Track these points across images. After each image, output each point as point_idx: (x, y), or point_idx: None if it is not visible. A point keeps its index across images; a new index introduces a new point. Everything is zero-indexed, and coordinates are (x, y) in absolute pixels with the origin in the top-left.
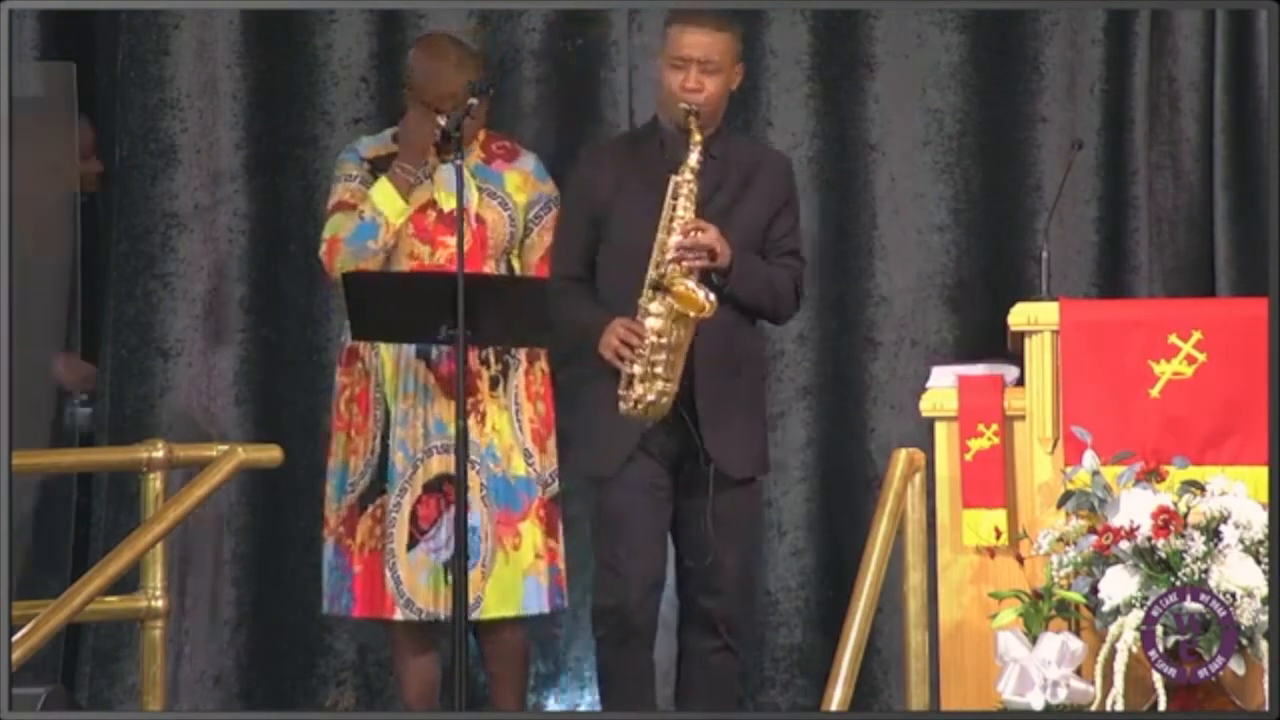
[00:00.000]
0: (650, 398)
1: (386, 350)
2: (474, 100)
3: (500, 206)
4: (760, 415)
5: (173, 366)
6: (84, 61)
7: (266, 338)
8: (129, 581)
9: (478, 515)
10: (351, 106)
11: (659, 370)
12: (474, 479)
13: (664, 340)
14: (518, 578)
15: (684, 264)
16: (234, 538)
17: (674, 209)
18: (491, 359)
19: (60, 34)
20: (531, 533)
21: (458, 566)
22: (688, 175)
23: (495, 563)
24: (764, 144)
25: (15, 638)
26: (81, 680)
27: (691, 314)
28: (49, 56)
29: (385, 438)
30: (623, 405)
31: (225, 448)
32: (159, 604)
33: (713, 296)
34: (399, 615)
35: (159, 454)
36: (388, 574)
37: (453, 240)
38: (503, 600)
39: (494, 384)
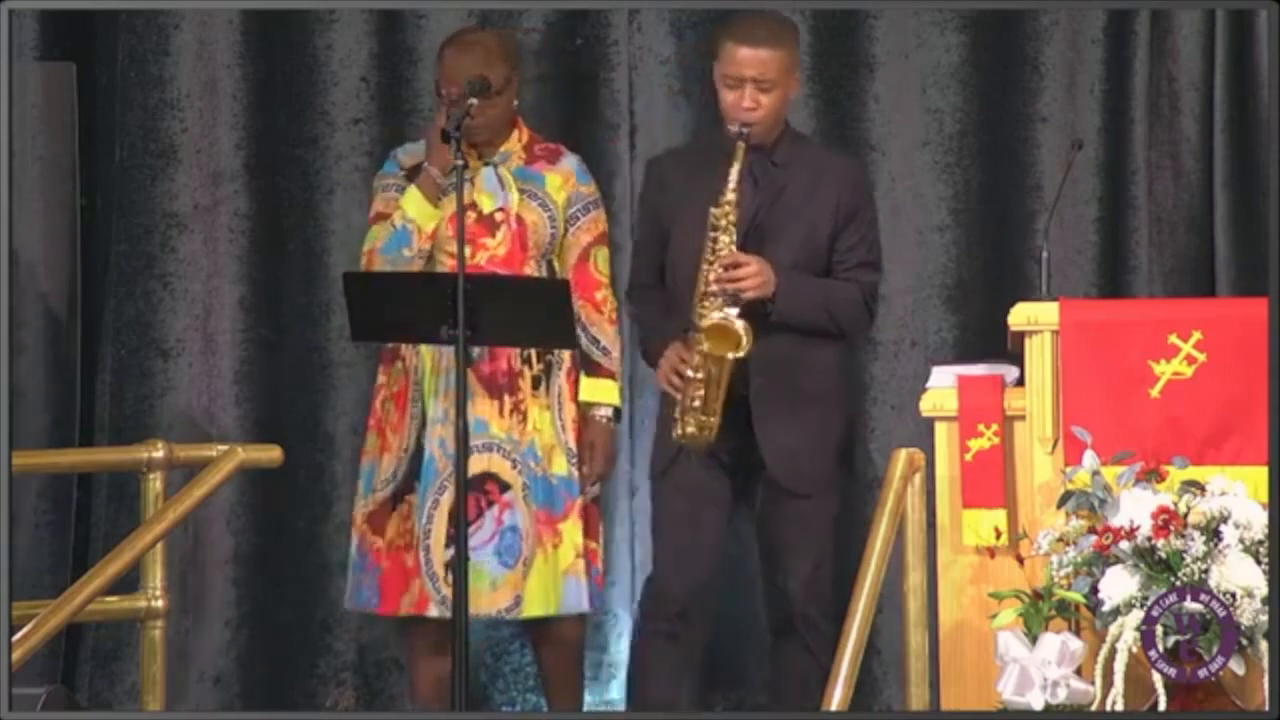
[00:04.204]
0: (690, 430)
1: (427, 350)
2: (473, 100)
3: (540, 207)
4: (824, 429)
5: (173, 366)
6: (84, 61)
7: (266, 338)
8: (129, 581)
9: (519, 515)
10: (351, 106)
11: (696, 404)
12: (515, 479)
13: (699, 375)
14: (558, 576)
15: (724, 295)
16: (234, 538)
17: (715, 242)
18: (534, 359)
19: (60, 34)
20: (571, 532)
21: (458, 566)
22: (725, 208)
23: (535, 562)
24: (835, 152)
25: (15, 638)
26: (81, 680)
27: (726, 355)
28: (49, 56)
29: (420, 436)
30: (674, 431)
31: (225, 448)
32: (159, 604)
33: (746, 336)
34: (433, 612)
35: (159, 454)
36: (424, 571)
37: (491, 241)
38: (544, 599)
39: (535, 384)
